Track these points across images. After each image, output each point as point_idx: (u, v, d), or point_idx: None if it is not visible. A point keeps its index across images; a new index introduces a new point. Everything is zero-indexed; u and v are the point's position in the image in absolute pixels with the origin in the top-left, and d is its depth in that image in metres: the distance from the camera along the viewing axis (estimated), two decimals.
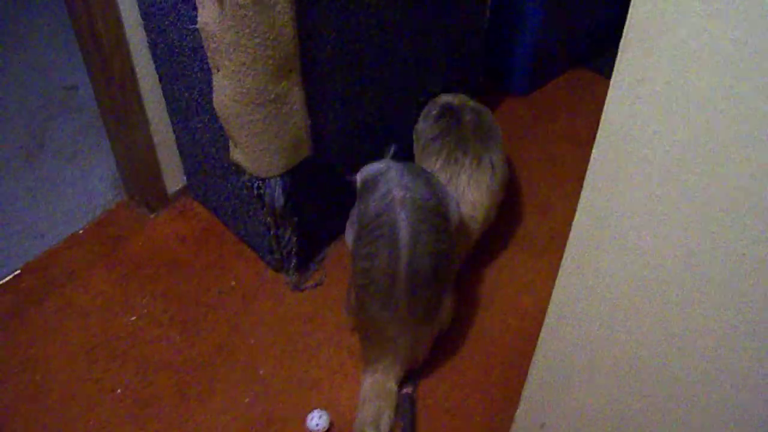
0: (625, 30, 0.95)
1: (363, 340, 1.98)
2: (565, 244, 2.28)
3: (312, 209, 2.16)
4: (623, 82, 1.00)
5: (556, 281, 1.31)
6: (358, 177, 1.98)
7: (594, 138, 2.70)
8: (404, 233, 1.76)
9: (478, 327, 2.15)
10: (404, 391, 1.97)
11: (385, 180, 1.86)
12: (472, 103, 2.28)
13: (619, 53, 0.98)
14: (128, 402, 1.98)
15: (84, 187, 2.51)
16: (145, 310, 2.17)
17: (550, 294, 2.17)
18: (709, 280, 1.09)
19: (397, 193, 1.81)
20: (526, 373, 2.02)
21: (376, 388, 1.91)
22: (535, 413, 1.59)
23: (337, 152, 2.12)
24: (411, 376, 2.00)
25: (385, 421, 1.87)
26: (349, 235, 2.01)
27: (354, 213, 2.00)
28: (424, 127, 2.25)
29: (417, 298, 1.82)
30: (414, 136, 2.30)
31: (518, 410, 1.63)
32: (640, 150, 1.04)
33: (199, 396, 2.00)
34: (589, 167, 1.12)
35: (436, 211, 1.84)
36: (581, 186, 2.49)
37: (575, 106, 2.82)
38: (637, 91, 0.99)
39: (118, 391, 2.00)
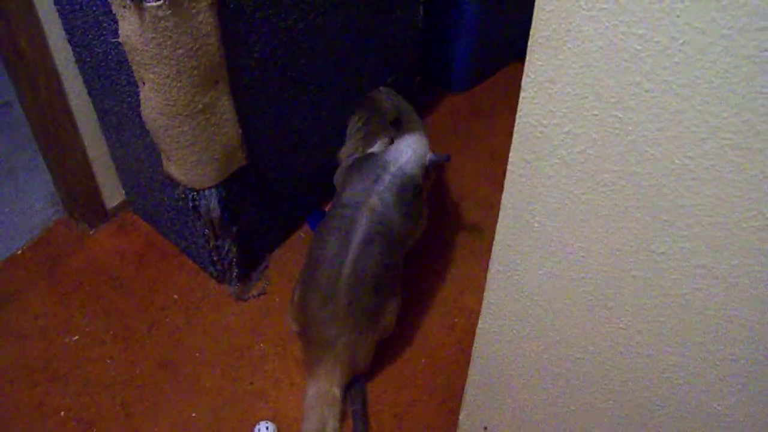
0: (531, 30, 0.94)
1: (304, 342, 1.97)
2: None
3: (251, 218, 2.13)
4: (534, 82, 0.99)
5: (486, 284, 1.30)
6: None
7: None
8: (358, 235, 1.83)
9: (425, 328, 2.14)
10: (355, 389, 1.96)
11: (375, 177, 1.91)
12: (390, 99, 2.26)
13: (528, 54, 0.97)
14: (72, 424, 1.94)
15: (21, 206, 2.45)
16: (87, 329, 2.13)
17: None
18: (633, 277, 1.09)
19: (372, 202, 1.88)
20: None
21: (320, 395, 1.89)
22: (477, 416, 1.58)
23: (274, 159, 2.09)
24: (356, 383, 1.98)
25: (330, 430, 1.85)
26: (337, 178, 2.14)
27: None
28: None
29: (357, 300, 1.83)
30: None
31: (461, 413, 1.62)
32: (555, 151, 1.03)
33: (145, 413, 1.96)
34: (507, 169, 1.11)
35: (395, 232, 1.90)
36: None
37: (513, 100, 2.79)
38: (549, 91, 0.98)
39: (62, 413, 1.96)
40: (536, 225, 1.14)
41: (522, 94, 1.01)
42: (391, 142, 2.04)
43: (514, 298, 1.28)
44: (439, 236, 2.37)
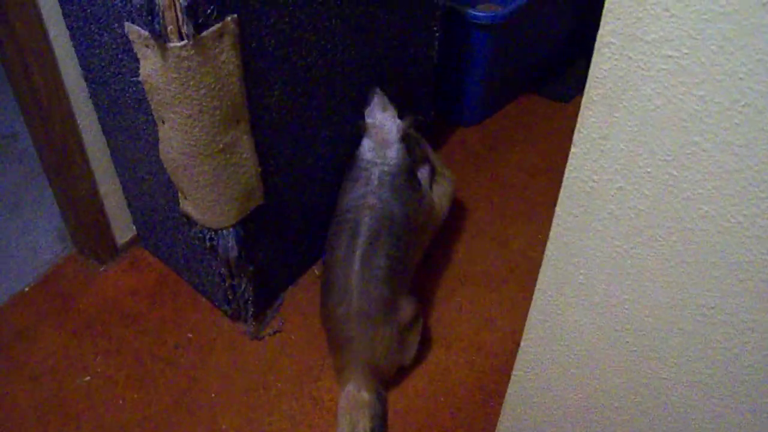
0: (587, 87, 0.93)
1: (330, 347, 2.03)
2: (524, 278, 2.28)
3: (267, 256, 2.11)
4: (587, 138, 0.98)
5: (524, 333, 1.29)
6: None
7: (547, 167, 2.72)
8: (363, 232, 1.90)
9: (442, 367, 2.12)
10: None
11: (365, 180, 1.96)
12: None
13: (582, 110, 0.96)
14: None
15: (28, 242, 2.42)
16: (99, 369, 2.10)
17: (512, 329, 2.17)
18: (680, 330, 1.08)
19: (370, 201, 1.93)
20: (494, 414, 2.00)
21: (350, 400, 1.92)
22: None
23: (290, 197, 2.08)
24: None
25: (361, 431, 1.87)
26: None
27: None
28: None
29: (369, 295, 1.87)
30: None
31: None
32: (605, 206, 1.02)
33: None
34: (553, 222, 1.10)
35: (401, 225, 1.94)
36: (537, 218, 2.52)
37: (526, 134, 2.82)
38: (601, 148, 0.97)
39: None
40: (581, 277, 1.13)
41: (573, 150, 1.00)
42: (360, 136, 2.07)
43: (553, 348, 1.26)
44: (454, 272, 2.36)
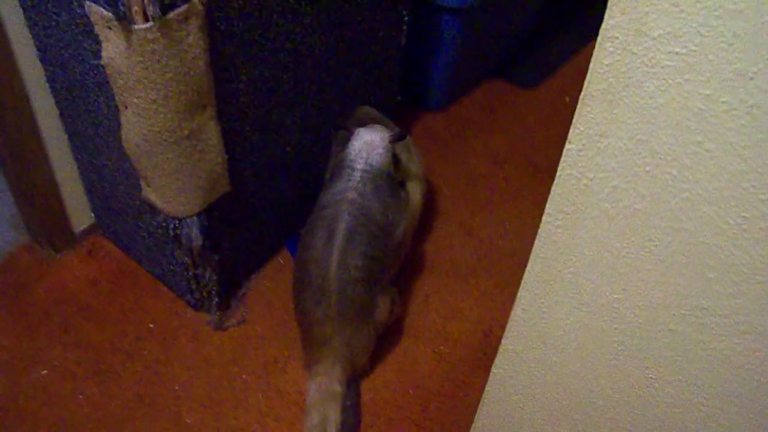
0: (586, 82, 0.90)
1: (302, 340, 1.97)
2: (492, 267, 2.26)
3: (231, 244, 2.05)
4: (583, 134, 0.94)
5: (506, 330, 1.26)
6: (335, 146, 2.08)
7: (512, 155, 2.69)
8: (341, 230, 1.83)
9: (411, 358, 2.09)
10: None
11: (347, 177, 1.91)
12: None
13: (579, 105, 0.93)
14: None
15: None
16: (57, 363, 2.02)
17: (479, 319, 2.15)
18: (670, 330, 1.06)
19: (350, 195, 1.87)
20: (463, 406, 1.98)
21: (321, 392, 1.88)
22: None
23: (256, 185, 2.02)
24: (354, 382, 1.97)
25: (332, 426, 1.83)
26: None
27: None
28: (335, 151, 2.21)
29: (347, 296, 1.82)
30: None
31: None
32: (599, 204, 0.99)
33: None
34: (543, 219, 1.07)
35: (378, 224, 1.88)
36: (503, 206, 2.49)
37: (492, 120, 2.79)
38: (598, 145, 0.94)
39: None
40: (569, 275, 1.10)
41: (567, 146, 0.96)
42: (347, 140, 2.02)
43: (536, 345, 1.24)
44: (420, 260, 2.32)
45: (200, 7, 1.56)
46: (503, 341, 1.28)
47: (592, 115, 0.92)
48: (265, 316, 2.15)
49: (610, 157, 0.94)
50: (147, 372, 2.02)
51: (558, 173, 0.99)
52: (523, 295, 1.18)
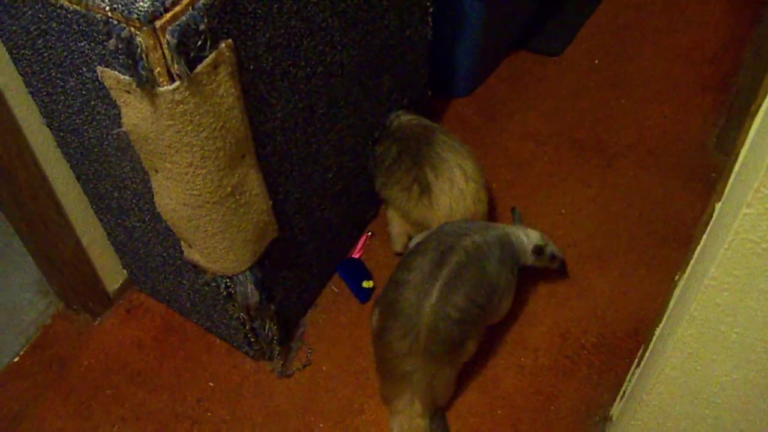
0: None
1: (379, 373, 1.84)
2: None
3: (285, 288, 1.90)
4: (766, 198, 0.79)
5: (649, 387, 1.12)
6: None
7: (552, 132, 2.49)
8: (453, 262, 1.71)
9: (491, 374, 1.95)
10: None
11: (486, 226, 1.86)
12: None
13: (766, 167, 0.77)
14: None
15: (6, 302, 2.14)
16: None
17: (554, 322, 2.01)
18: None
19: (477, 238, 1.77)
20: (556, 419, 1.85)
21: (404, 431, 1.78)
22: None
23: (302, 221, 1.86)
24: (437, 412, 1.85)
25: None
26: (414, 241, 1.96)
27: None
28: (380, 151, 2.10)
29: (439, 333, 1.69)
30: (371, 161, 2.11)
31: None
32: None
33: None
34: (704, 283, 0.92)
35: (489, 279, 1.77)
36: (554, 191, 2.34)
37: (523, 97, 2.60)
38: None
39: None
40: (734, 336, 0.96)
41: (745, 211, 0.81)
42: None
43: (686, 401, 1.11)
44: None
45: (228, 53, 1.38)
46: (643, 396, 1.14)
47: None
48: (330, 353, 2.01)
49: None
50: None
51: (730, 238, 0.84)
52: (673, 354, 1.04)
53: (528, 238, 1.92)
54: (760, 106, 0.92)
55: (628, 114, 2.50)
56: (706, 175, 2.31)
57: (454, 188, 1.97)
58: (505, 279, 1.81)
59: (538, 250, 1.92)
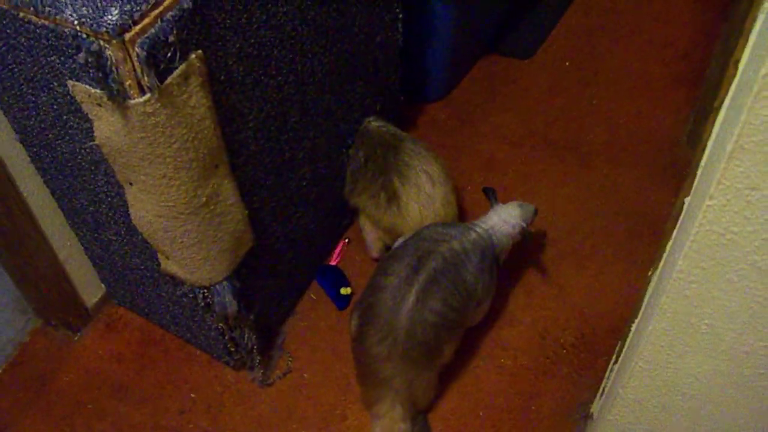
0: (735, 135, 0.75)
1: (359, 378, 1.85)
2: (538, 260, 2.12)
3: (264, 297, 1.90)
4: (730, 189, 0.81)
5: (623, 381, 1.13)
6: None
7: (527, 134, 2.50)
8: (430, 267, 1.70)
9: (472, 377, 1.96)
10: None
11: (462, 228, 1.83)
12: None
13: (726, 159, 0.78)
14: None
15: None
16: None
17: (532, 321, 2.02)
18: None
19: (454, 244, 1.76)
20: (537, 419, 1.86)
21: None
22: None
23: (278, 229, 1.86)
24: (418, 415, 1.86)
25: None
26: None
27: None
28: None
29: (416, 337, 1.69)
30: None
31: None
32: (746, 257, 0.86)
33: None
34: (673, 276, 0.93)
35: (466, 285, 1.76)
36: (531, 191, 2.35)
37: (496, 99, 2.62)
38: (748, 198, 0.80)
39: None
40: (704, 327, 0.97)
41: (708, 202, 0.82)
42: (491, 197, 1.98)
43: (661, 393, 1.13)
44: None
45: (199, 63, 1.38)
46: (620, 391, 1.16)
47: (741, 169, 0.78)
48: (311, 360, 2.01)
49: (761, 210, 0.80)
50: None
51: (694, 230, 0.86)
52: (644, 347, 1.05)
53: (509, 220, 1.89)
54: (723, 100, 0.94)
55: (602, 112, 2.53)
56: (680, 171, 2.33)
57: (421, 193, 1.97)
58: (483, 285, 1.81)
59: (525, 233, 1.92)
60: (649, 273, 1.32)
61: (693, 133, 2.39)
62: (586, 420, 1.80)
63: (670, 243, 1.15)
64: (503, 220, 1.89)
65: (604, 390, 1.57)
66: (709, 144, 1.09)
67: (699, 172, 1.08)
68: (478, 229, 1.84)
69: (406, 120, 2.47)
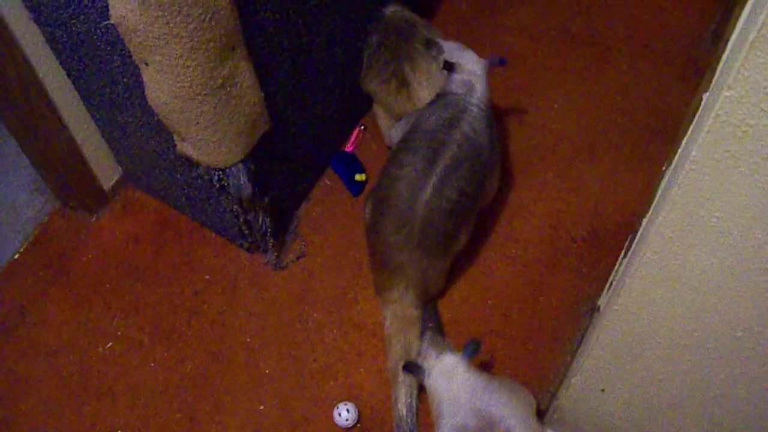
0: (760, 24, 0.74)
1: (373, 262, 1.89)
2: (549, 155, 2.12)
3: (278, 181, 1.92)
4: (747, 80, 0.81)
5: (631, 270, 1.15)
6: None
7: (547, 28, 2.53)
8: (447, 158, 1.70)
9: (482, 267, 1.99)
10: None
11: (460, 107, 1.78)
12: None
13: (746, 50, 0.77)
14: None
15: (4, 202, 2.16)
16: (120, 333, 1.93)
17: (544, 213, 2.04)
18: None
19: (465, 128, 1.74)
20: (544, 309, 1.90)
21: (398, 319, 1.82)
22: (594, 381, 1.47)
23: (294, 113, 1.86)
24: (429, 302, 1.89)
25: (416, 351, 1.77)
26: (396, 134, 1.95)
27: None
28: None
29: (433, 227, 1.72)
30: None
31: (574, 378, 1.50)
32: (761, 150, 0.86)
33: (210, 414, 1.81)
34: (685, 166, 0.93)
35: (483, 163, 1.78)
36: (549, 86, 2.30)
37: None
38: (767, 90, 0.79)
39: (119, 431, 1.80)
40: (713, 221, 0.98)
41: (726, 93, 0.81)
42: (448, 68, 1.85)
43: (667, 285, 1.14)
44: None
45: None
46: (627, 281, 1.18)
47: (762, 60, 0.77)
48: (324, 245, 2.04)
49: None
50: (214, 327, 1.93)
51: (710, 120, 0.85)
52: (653, 238, 1.06)
53: (476, 71, 1.84)
54: None
55: (624, 7, 2.47)
56: (701, 69, 2.29)
57: (431, 80, 1.95)
58: (494, 153, 1.83)
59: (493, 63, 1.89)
60: (663, 168, 1.32)
61: (717, 32, 2.34)
62: (592, 313, 1.84)
63: (685, 139, 1.15)
64: (473, 73, 1.84)
65: (611, 283, 1.60)
66: (732, 36, 1.07)
67: (720, 66, 1.07)
68: (473, 101, 1.80)
69: (426, 9, 2.42)
